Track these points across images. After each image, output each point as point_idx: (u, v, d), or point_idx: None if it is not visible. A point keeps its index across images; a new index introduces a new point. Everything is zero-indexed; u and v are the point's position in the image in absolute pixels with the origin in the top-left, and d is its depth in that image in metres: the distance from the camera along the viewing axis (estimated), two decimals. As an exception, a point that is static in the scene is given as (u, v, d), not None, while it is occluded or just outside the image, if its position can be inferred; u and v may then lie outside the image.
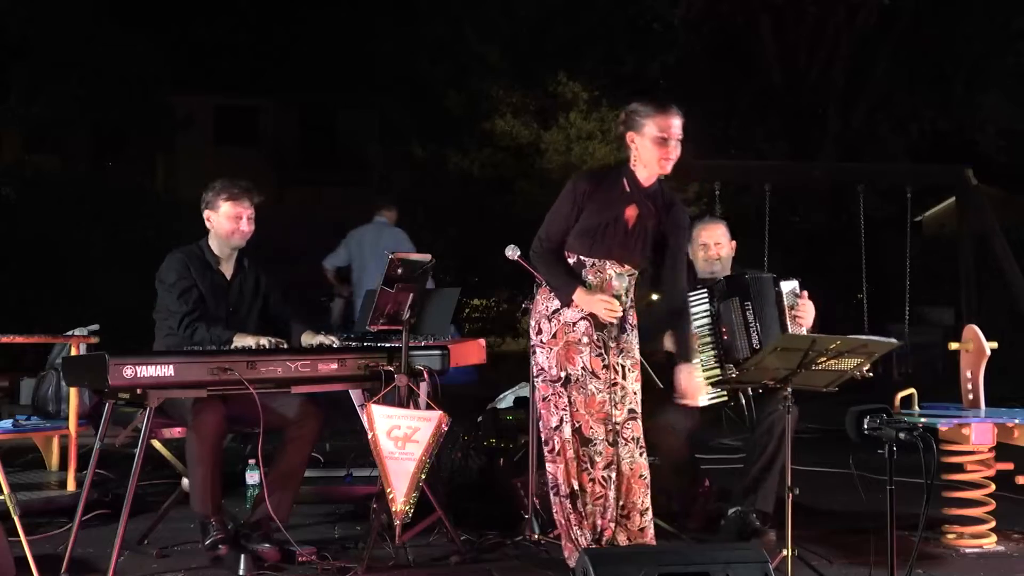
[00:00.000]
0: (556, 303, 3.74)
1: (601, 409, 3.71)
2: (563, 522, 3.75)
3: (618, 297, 3.69)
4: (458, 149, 15.61)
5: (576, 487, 3.70)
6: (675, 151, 3.67)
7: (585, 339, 3.70)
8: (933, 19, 14.95)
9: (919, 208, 16.92)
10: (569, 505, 3.71)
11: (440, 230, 14.36)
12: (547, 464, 3.80)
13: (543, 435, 3.82)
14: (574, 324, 3.71)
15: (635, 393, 3.77)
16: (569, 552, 3.73)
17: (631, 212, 3.71)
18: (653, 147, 3.66)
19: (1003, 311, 8.58)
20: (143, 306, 4.45)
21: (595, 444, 3.70)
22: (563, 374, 3.71)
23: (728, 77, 16.07)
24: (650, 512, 3.79)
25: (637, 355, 3.82)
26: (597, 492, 3.70)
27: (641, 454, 3.76)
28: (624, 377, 3.76)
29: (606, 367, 3.72)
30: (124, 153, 18.74)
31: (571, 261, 3.76)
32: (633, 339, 3.80)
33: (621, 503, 3.75)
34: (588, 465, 3.70)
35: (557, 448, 3.73)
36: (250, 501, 4.62)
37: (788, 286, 4.53)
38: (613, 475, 3.72)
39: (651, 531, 3.80)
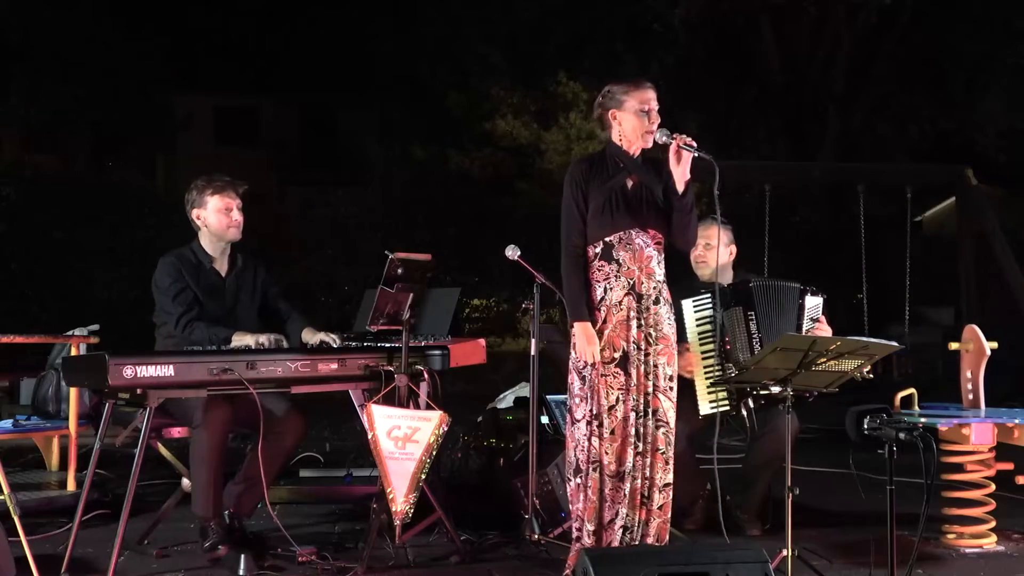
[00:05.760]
0: (599, 293, 3.75)
1: (644, 381, 3.74)
2: (593, 502, 3.70)
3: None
4: (458, 149, 15.62)
5: (629, 466, 3.69)
6: (656, 121, 3.80)
7: (632, 314, 3.73)
8: (933, 19, 14.93)
9: (919, 208, 16.90)
10: (620, 484, 3.68)
11: (440, 230, 14.36)
12: (593, 446, 3.69)
13: (584, 423, 3.73)
14: (620, 303, 3.73)
15: (656, 366, 3.76)
16: (591, 541, 3.70)
17: (631, 181, 3.81)
18: (635, 119, 3.79)
19: (1003, 311, 8.57)
20: (143, 306, 4.45)
21: (641, 417, 3.72)
22: (618, 354, 3.72)
23: (728, 77, 16.05)
24: (670, 489, 3.77)
25: (667, 330, 3.80)
26: (639, 467, 3.71)
27: (658, 427, 3.74)
28: (651, 347, 3.76)
29: (646, 339, 3.75)
30: (124, 153, 18.74)
31: (598, 250, 3.76)
32: (664, 313, 3.80)
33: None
34: (637, 440, 3.71)
35: (611, 428, 3.70)
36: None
37: (813, 302, 4.50)
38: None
39: (669, 509, 3.78)
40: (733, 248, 4.76)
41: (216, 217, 4.24)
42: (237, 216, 4.27)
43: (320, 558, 3.89)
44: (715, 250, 4.45)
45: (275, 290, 4.48)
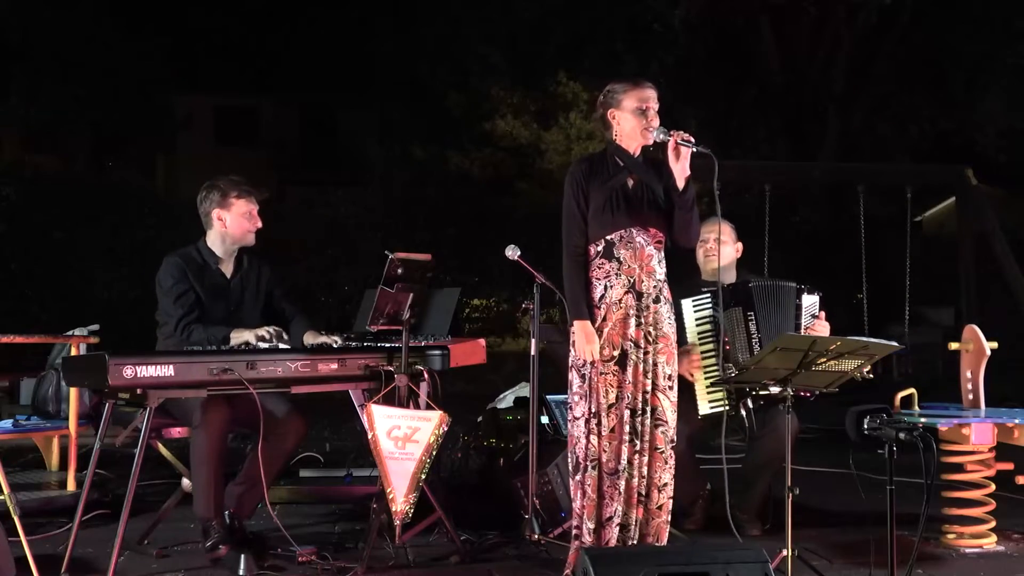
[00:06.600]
0: (599, 291, 3.77)
1: (643, 379, 3.74)
2: (592, 499, 3.71)
3: None
4: (458, 149, 15.62)
5: (625, 463, 3.70)
6: (655, 120, 3.82)
7: (632, 312, 3.74)
8: (933, 19, 14.94)
9: (919, 208, 16.92)
10: (617, 481, 3.70)
11: (440, 230, 14.35)
12: (591, 444, 3.71)
13: (583, 421, 3.74)
14: (620, 301, 3.75)
15: (655, 365, 3.76)
16: (591, 540, 3.71)
17: (632, 180, 3.82)
18: (634, 118, 3.82)
19: (1003, 311, 8.57)
20: (143, 306, 4.46)
21: (639, 416, 3.73)
22: (616, 352, 3.73)
23: (728, 77, 16.06)
24: (669, 488, 3.78)
25: (667, 329, 3.81)
26: (636, 464, 3.72)
27: (656, 426, 3.75)
28: (650, 345, 3.77)
29: (646, 337, 3.75)
30: (124, 153, 18.75)
31: (599, 248, 3.77)
32: (664, 311, 3.80)
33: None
34: (634, 437, 3.72)
35: (610, 427, 3.71)
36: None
37: (810, 300, 4.50)
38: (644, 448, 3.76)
39: (668, 508, 3.79)
40: (739, 246, 4.77)
41: (239, 221, 4.26)
42: (259, 223, 4.31)
43: (320, 558, 3.89)
44: (725, 245, 4.53)
45: (280, 291, 4.48)
